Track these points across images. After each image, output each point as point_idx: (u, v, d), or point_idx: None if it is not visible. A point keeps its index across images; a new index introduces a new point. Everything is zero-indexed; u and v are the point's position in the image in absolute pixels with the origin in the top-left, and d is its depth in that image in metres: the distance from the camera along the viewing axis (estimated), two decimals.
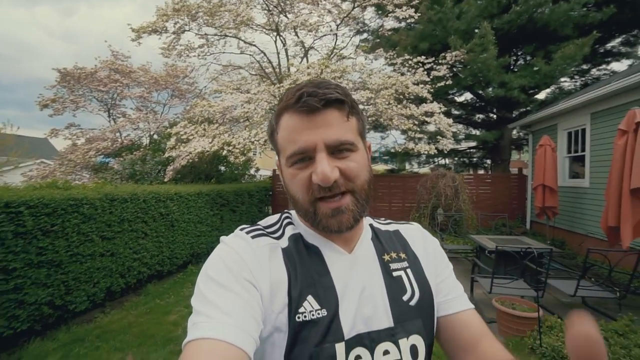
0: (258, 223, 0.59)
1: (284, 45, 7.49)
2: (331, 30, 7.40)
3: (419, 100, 6.61)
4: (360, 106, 6.38)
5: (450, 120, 6.39)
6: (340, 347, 0.48)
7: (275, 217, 0.61)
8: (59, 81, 9.55)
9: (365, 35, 10.48)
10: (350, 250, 0.56)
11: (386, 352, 0.49)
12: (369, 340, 0.50)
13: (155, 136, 10.16)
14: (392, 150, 7.82)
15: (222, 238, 0.54)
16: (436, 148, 6.30)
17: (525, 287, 3.44)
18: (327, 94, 0.48)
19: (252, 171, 10.75)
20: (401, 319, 0.52)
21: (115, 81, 9.87)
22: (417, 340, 0.52)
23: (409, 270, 0.57)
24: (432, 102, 6.47)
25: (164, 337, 2.91)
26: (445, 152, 6.78)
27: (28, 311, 2.58)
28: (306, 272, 0.51)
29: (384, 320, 0.51)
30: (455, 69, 7.92)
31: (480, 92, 8.62)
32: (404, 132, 7.24)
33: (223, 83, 8.33)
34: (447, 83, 7.29)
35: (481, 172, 12.27)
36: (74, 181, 8.44)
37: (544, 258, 3.77)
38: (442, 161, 12.26)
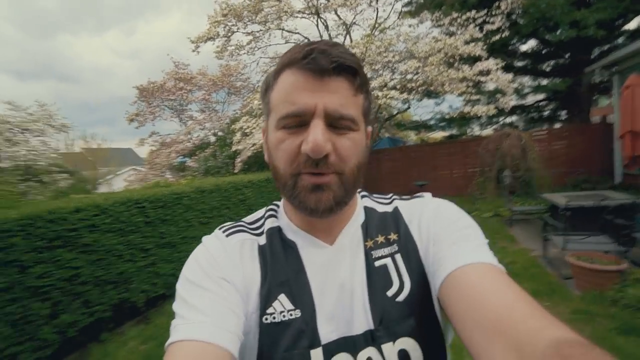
0: (243, 219, 0.56)
1: (326, 27, 7.58)
2: (370, 3, 7.24)
3: (473, 60, 6.22)
4: (409, 76, 6.32)
5: (510, 76, 5.92)
6: (316, 354, 0.43)
7: (262, 210, 0.57)
8: (138, 97, 11.09)
9: None
10: (332, 242, 0.50)
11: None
12: (352, 345, 0.43)
13: (219, 133, 11.24)
14: (447, 117, 7.50)
15: (203, 238, 0.52)
16: (496, 107, 5.93)
17: (606, 241, 3.28)
18: (341, 57, 0.42)
19: None
20: (384, 320, 0.44)
21: (181, 89, 11.08)
22: (409, 344, 0.43)
23: (397, 256, 0.48)
24: (487, 59, 6.05)
25: None
26: (507, 110, 6.33)
27: (162, 280, 3.39)
28: (280, 269, 0.47)
29: (364, 321, 0.44)
30: (513, 17, 7.16)
31: (547, 37, 7.67)
32: (461, 94, 6.90)
33: None
34: (504, 35, 6.66)
35: (558, 126, 11.01)
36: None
37: (636, 212, 3.49)
38: (508, 120, 11.28)
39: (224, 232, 0.52)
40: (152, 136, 11.45)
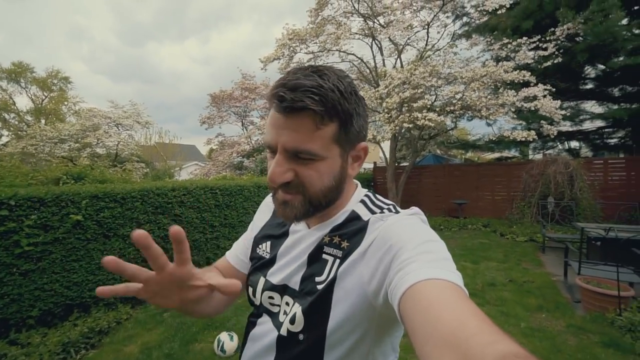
0: None
1: (380, 49, 8.23)
2: (424, 27, 7.74)
3: (520, 85, 6.35)
4: (450, 100, 6.66)
5: (557, 103, 5.92)
6: (261, 281, 0.65)
7: None
8: (210, 102, 12.83)
9: (465, 19, 10.16)
10: (310, 227, 0.65)
11: (287, 304, 0.60)
12: (282, 290, 0.62)
13: None
14: (489, 139, 7.58)
15: None
16: (538, 134, 5.98)
17: (625, 272, 3.40)
18: (296, 101, 0.49)
19: None
20: (303, 290, 0.59)
21: (246, 97, 12.54)
22: (299, 313, 0.56)
23: (337, 261, 0.57)
24: (536, 85, 6.15)
25: None
26: (552, 136, 6.30)
27: (221, 252, 4.31)
28: (275, 227, 0.71)
29: (294, 282, 0.61)
30: (568, 44, 7.08)
31: (606, 64, 7.39)
32: (510, 117, 6.98)
33: None
34: (555, 62, 6.65)
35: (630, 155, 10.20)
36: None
37: None
38: (572, 144, 10.73)
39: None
40: (218, 137, 13.08)
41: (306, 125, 0.51)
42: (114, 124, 12.27)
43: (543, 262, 4.97)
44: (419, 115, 5.56)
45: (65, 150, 11.41)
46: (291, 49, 8.31)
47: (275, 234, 0.70)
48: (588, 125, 9.30)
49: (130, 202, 3.24)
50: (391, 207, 0.62)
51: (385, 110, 6.16)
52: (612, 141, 9.94)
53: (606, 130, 9.55)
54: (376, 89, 6.57)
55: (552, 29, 6.63)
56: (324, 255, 0.59)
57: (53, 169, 3.81)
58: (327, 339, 0.54)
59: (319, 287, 0.56)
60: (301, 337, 0.55)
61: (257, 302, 0.65)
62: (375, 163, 11.00)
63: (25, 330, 2.58)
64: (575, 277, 4.12)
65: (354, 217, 0.61)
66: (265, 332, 0.62)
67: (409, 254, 0.46)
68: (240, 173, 11.29)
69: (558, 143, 10.34)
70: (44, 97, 27.28)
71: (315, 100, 0.49)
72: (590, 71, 9.21)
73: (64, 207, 2.76)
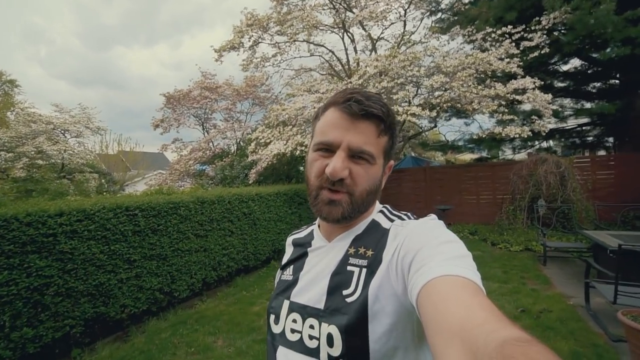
0: (307, 225, 0.81)
1: (353, 41, 7.39)
2: (399, 17, 6.99)
3: (507, 77, 5.71)
4: (437, 92, 5.91)
5: (549, 96, 5.33)
6: (285, 304, 0.65)
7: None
8: (165, 104, 11.42)
9: (439, 15, 9.61)
10: (330, 241, 0.66)
11: (311, 327, 0.58)
12: (304, 311, 0.61)
13: (241, 143, 11.24)
14: (475, 137, 6.93)
15: None
16: (531, 130, 5.34)
17: None
18: (371, 107, 0.56)
19: None
20: (330, 307, 0.57)
21: (206, 97, 11.26)
22: (335, 331, 0.55)
23: (364, 270, 0.58)
24: (523, 77, 5.53)
25: (248, 326, 3.20)
26: (544, 133, 5.71)
27: (146, 295, 3.15)
28: (297, 252, 0.73)
29: (319, 302, 0.59)
30: (554, 34, 6.60)
31: (595, 55, 6.99)
32: (492, 114, 6.35)
33: (295, 86, 8.69)
34: (543, 52, 6.11)
35: (602, 153, 10.01)
36: (180, 187, 9.95)
37: None
38: (544, 144, 10.43)
39: (289, 234, 0.82)
40: (175, 142, 11.69)
41: (371, 130, 0.58)
42: (59, 131, 10.66)
43: (550, 279, 4.22)
44: (400, 109, 4.71)
45: None
46: (253, 39, 7.25)
47: (295, 257, 0.72)
48: (572, 123, 8.95)
49: None
50: (409, 214, 0.66)
51: None
52: (589, 139, 9.71)
53: (584, 127, 9.28)
54: (349, 81, 5.67)
55: (538, 18, 6.08)
56: (349, 267, 0.60)
57: None
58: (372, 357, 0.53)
59: (348, 300, 0.56)
60: None
61: (280, 330, 0.64)
62: None
63: None
64: (595, 299, 3.42)
65: (373, 225, 0.65)
66: None
67: (428, 252, 0.48)
68: (198, 183, 9.98)
69: (537, 142, 9.97)
70: None
71: (384, 112, 0.58)
72: (563, 66, 8.92)
73: None
